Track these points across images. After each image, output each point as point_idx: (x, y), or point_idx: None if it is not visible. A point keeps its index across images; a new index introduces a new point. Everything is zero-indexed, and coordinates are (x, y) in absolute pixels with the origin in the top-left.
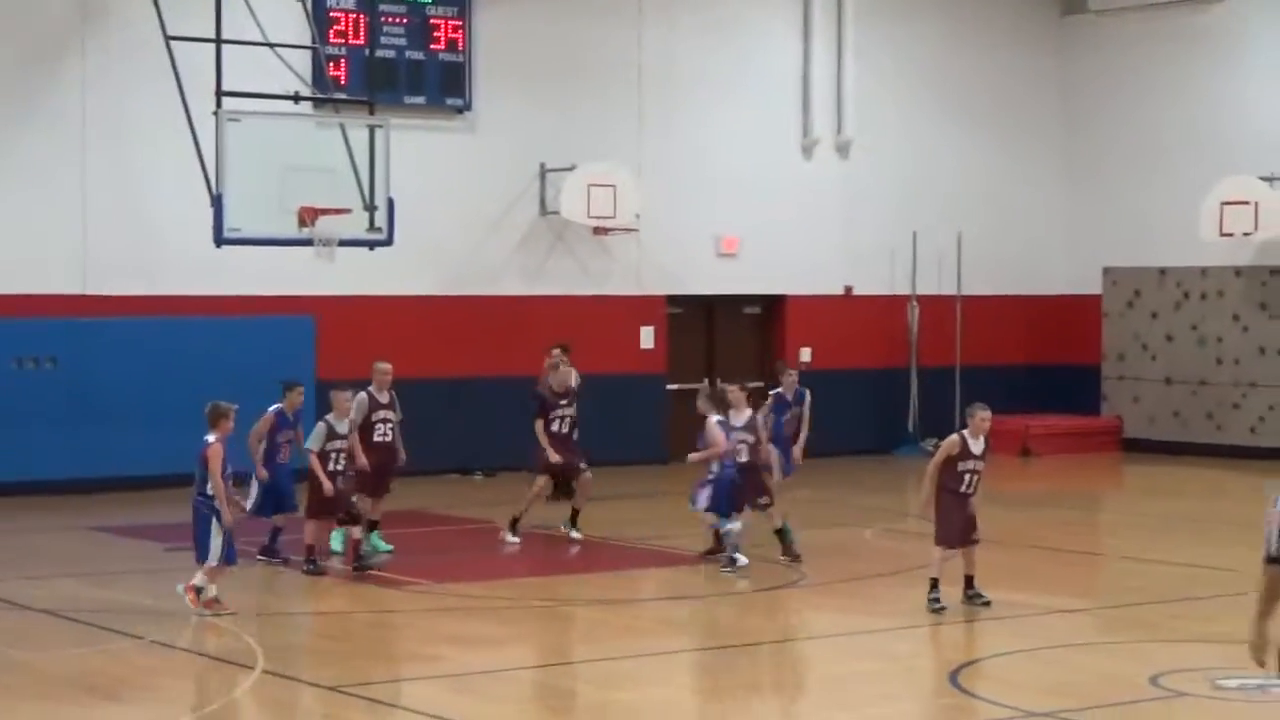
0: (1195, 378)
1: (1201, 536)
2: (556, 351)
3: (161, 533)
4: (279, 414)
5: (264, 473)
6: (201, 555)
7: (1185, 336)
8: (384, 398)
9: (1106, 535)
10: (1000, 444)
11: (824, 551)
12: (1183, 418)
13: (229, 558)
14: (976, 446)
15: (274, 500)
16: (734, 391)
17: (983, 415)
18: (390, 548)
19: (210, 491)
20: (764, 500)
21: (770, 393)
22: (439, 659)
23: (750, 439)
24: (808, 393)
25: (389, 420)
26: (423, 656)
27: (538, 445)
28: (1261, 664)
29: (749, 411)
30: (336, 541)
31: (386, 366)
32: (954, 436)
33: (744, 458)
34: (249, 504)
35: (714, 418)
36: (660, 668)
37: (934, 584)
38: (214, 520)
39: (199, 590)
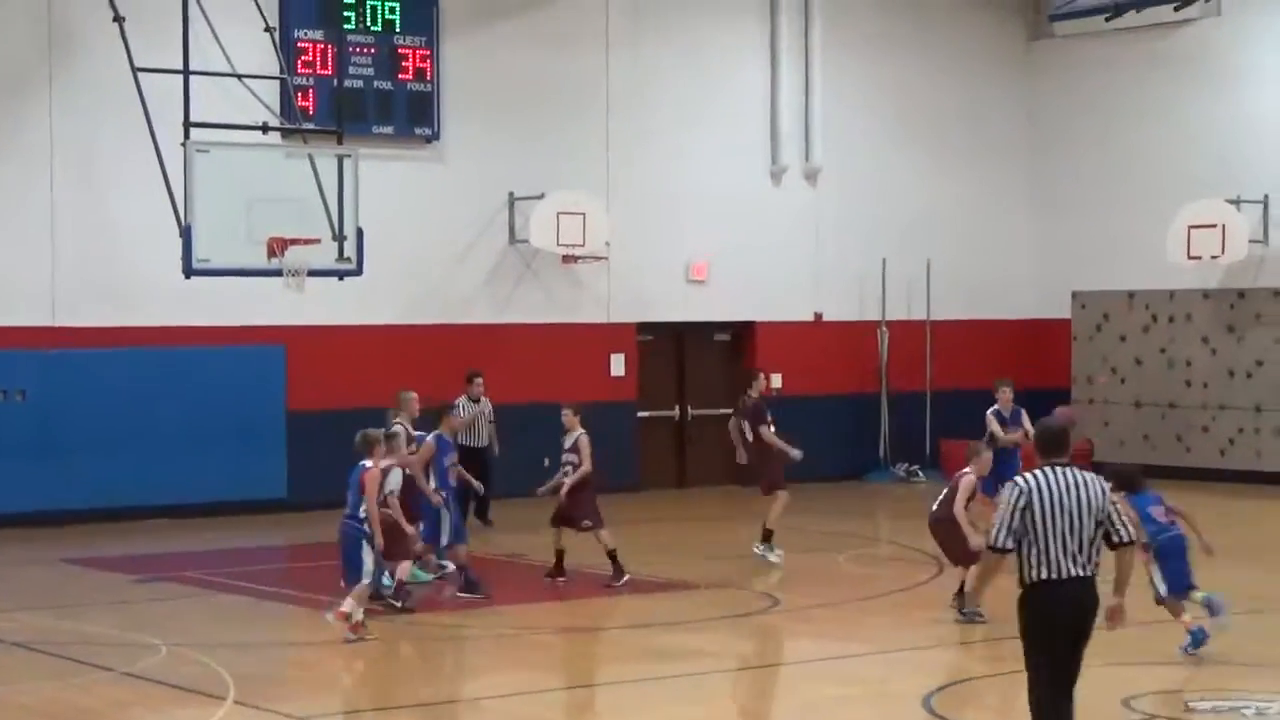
0: (1164, 400)
1: None
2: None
3: (131, 564)
4: (439, 439)
5: (438, 498)
6: (353, 577)
7: (1154, 360)
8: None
9: None
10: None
11: (797, 577)
12: (1152, 441)
13: (378, 579)
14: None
15: (451, 529)
16: (565, 414)
17: (987, 455)
18: (429, 577)
19: (364, 514)
20: (586, 523)
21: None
22: (407, 687)
23: (574, 459)
24: None
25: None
26: (392, 685)
27: (773, 459)
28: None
29: (577, 432)
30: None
31: (414, 395)
32: (971, 478)
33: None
34: (444, 535)
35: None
36: (634, 696)
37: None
38: (365, 542)
39: (349, 615)
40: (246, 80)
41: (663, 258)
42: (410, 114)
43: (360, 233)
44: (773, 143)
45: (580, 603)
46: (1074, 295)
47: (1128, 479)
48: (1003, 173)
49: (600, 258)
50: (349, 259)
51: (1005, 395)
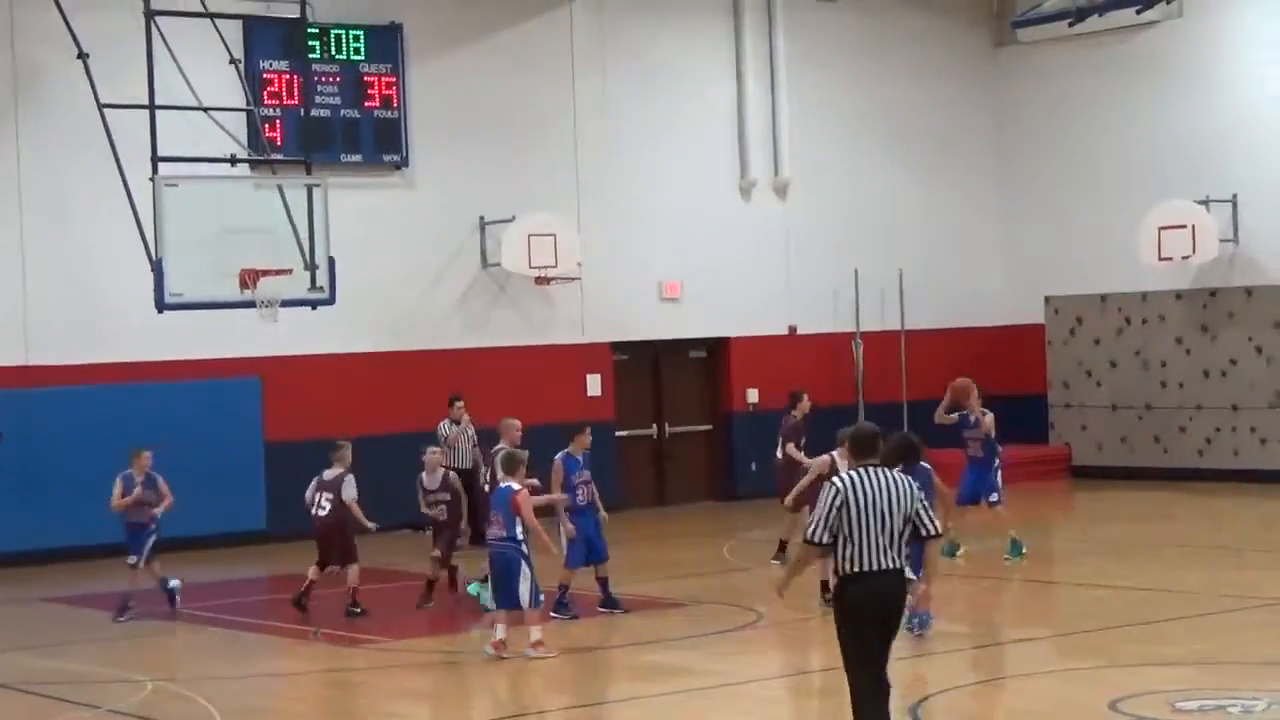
0: (1141, 402)
1: (1153, 560)
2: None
3: (112, 602)
4: (567, 458)
5: (570, 526)
6: (509, 602)
7: (1129, 362)
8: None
9: (1060, 563)
10: (949, 476)
11: None
12: (1130, 443)
13: (536, 601)
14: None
15: (584, 549)
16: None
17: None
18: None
19: (520, 536)
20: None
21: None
22: (397, 716)
23: (446, 497)
24: None
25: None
26: (381, 714)
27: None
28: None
29: (440, 472)
30: (484, 597)
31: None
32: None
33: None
34: (564, 557)
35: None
36: (622, 715)
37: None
38: (523, 564)
39: (539, 642)
40: (213, 113)
41: (635, 276)
42: (378, 141)
43: (332, 261)
44: (741, 157)
45: (567, 623)
46: (1047, 300)
47: (906, 450)
48: (972, 180)
49: (573, 278)
50: (321, 288)
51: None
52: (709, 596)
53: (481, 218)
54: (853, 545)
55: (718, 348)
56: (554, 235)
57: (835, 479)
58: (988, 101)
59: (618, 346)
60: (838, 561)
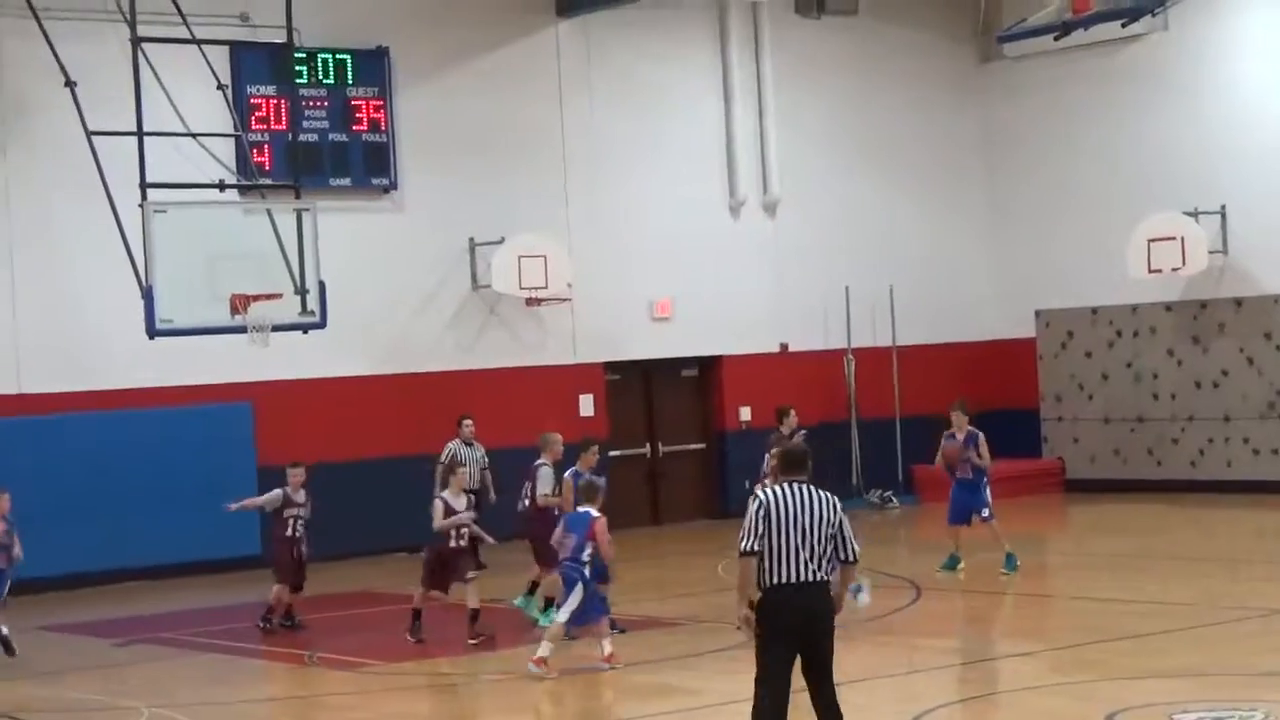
0: (1133, 415)
1: (1148, 573)
2: None
3: (109, 628)
4: (576, 475)
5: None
6: (581, 619)
7: (1121, 374)
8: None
9: (1054, 576)
10: (944, 492)
11: None
12: (1123, 455)
13: (583, 620)
14: None
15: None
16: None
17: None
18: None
19: (585, 558)
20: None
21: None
22: None
23: (473, 517)
24: None
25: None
26: None
27: None
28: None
29: (464, 496)
30: (531, 611)
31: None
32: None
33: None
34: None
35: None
36: None
37: None
38: (580, 583)
39: (609, 655)
40: (201, 139)
41: (626, 296)
42: (367, 165)
43: (322, 285)
44: (730, 176)
45: (565, 645)
46: (1037, 314)
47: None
48: (961, 195)
49: (564, 299)
50: (312, 312)
51: (959, 419)
52: (706, 615)
53: (471, 239)
54: (772, 557)
55: (709, 366)
56: (544, 256)
57: (760, 491)
58: (975, 116)
59: (610, 366)
60: (760, 574)
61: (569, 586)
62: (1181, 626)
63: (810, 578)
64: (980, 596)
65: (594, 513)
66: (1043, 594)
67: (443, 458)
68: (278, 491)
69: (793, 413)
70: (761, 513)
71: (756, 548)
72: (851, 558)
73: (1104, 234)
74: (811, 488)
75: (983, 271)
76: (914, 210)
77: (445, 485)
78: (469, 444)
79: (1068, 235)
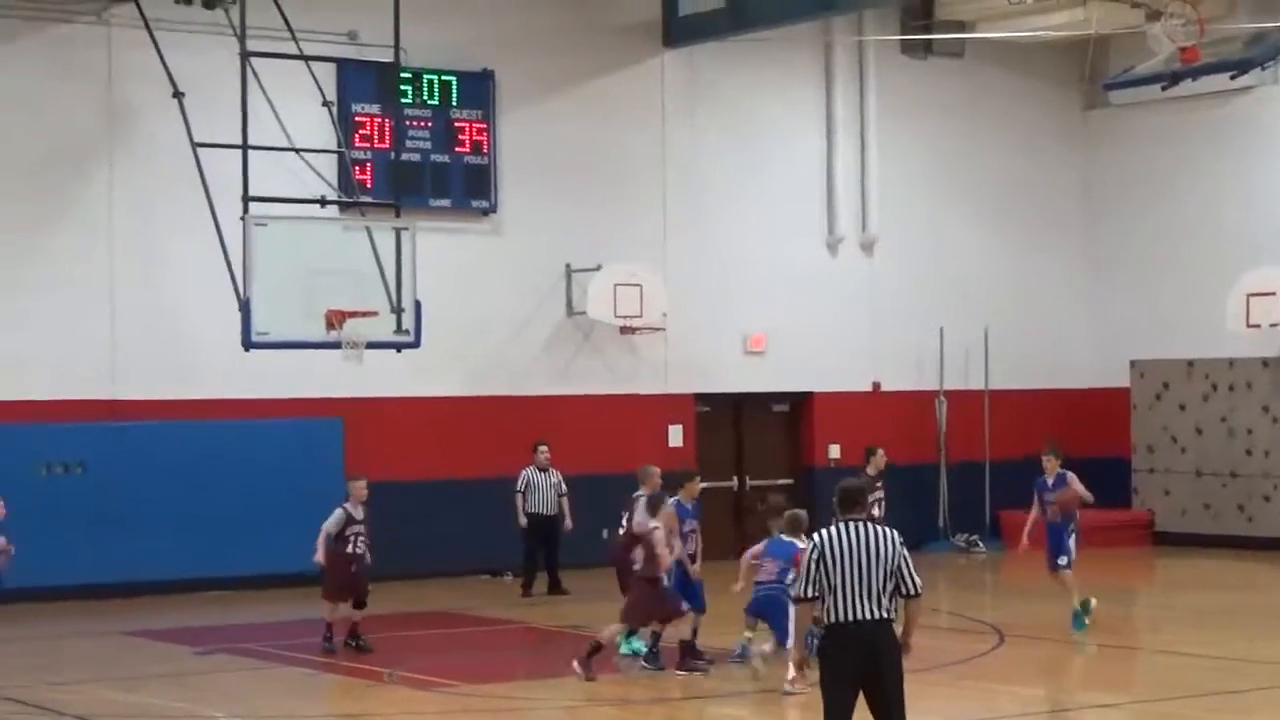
0: (1225, 469)
1: (1236, 629)
2: None
3: (191, 636)
4: (679, 506)
5: (697, 571)
6: (782, 637)
7: (1214, 428)
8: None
9: (1140, 629)
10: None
11: None
12: (1214, 510)
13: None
14: None
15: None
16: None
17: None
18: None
19: (789, 581)
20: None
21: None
22: None
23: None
24: None
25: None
26: None
27: None
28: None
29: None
30: (630, 645)
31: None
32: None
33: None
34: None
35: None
36: None
37: None
38: (790, 605)
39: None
40: (305, 154)
41: (720, 328)
42: (467, 187)
43: (418, 305)
44: (829, 213)
45: (640, 676)
46: (1132, 364)
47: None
48: (1059, 241)
49: (658, 329)
50: (407, 331)
51: (1050, 463)
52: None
53: (568, 265)
54: (833, 597)
55: (801, 402)
56: (640, 285)
57: (815, 534)
58: (1077, 163)
59: (701, 398)
60: (821, 613)
61: (781, 608)
62: (1268, 685)
63: (869, 615)
64: (1064, 646)
65: (799, 543)
66: (1128, 646)
67: (519, 485)
68: (339, 512)
69: (880, 453)
70: (816, 555)
71: (813, 593)
72: (914, 591)
73: (1203, 286)
74: (869, 524)
75: (1078, 318)
76: (1011, 254)
77: (796, 532)
78: (544, 470)
79: (1166, 286)
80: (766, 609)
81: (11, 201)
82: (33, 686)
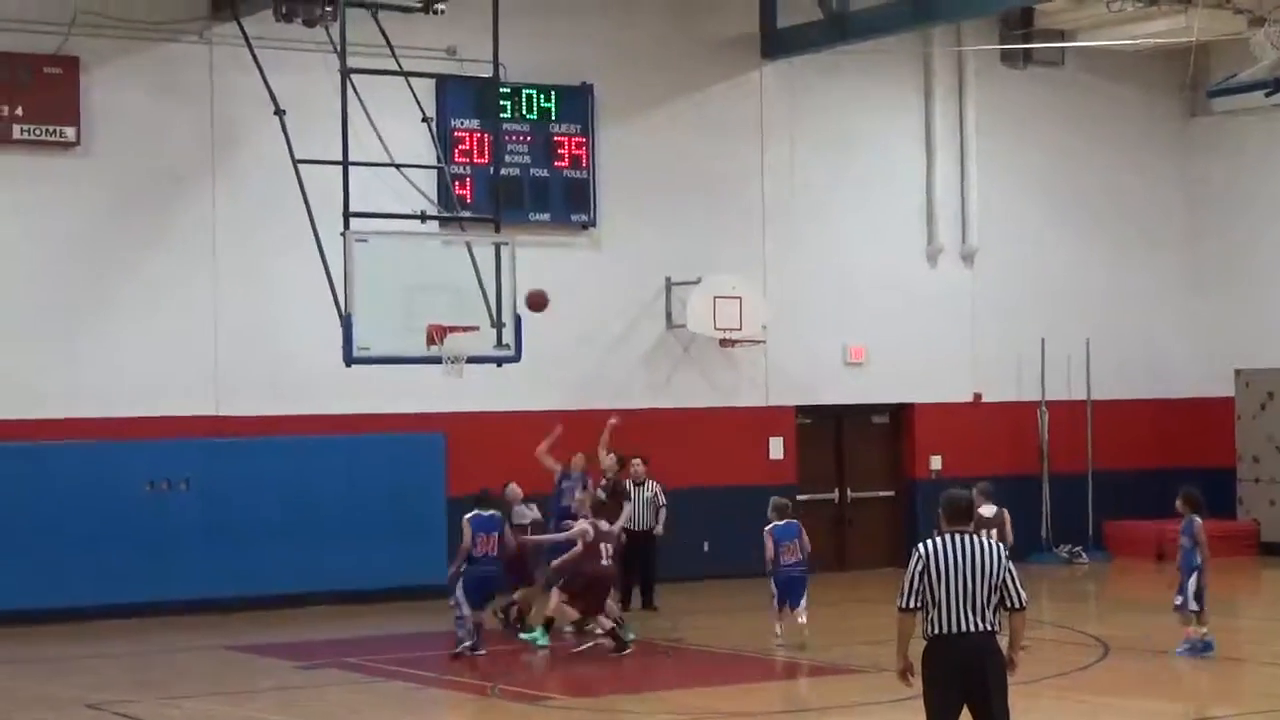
0: None
1: None
2: None
3: (294, 651)
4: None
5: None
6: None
7: None
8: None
9: (1247, 641)
10: (1136, 549)
11: None
12: None
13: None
14: None
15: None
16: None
17: None
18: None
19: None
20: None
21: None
22: None
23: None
24: None
25: None
26: None
27: None
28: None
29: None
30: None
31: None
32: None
33: None
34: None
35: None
36: None
37: None
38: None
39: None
40: (405, 170)
41: (820, 340)
42: (566, 201)
43: (518, 319)
44: (929, 224)
45: (740, 687)
46: (1237, 373)
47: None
48: (1161, 250)
49: (758, 341)
50: (508, 345)
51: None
52: (888, 663)
53: (668, 279)
54: (935, 609)
55: (901, 413)
56: (740, 298)
57: (919, 546)
58: (1180, 171)
59: (801, 410)
60: (923, 625)
61: (802, 585)
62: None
63: (971, 628)
64: (1169, 658)
65: (794, 521)
66: (1235, 658)
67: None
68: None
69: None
70: (920, 567)
71: (914, 604)
72: (1019, 604)
73: None
74: (974, 537)
75: (1182, 328)
76: (1112, 262)
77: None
78: (640, 483)
79: (1270, 295)
80: (791, 587)
81: (116, 220)
82: (142, 701)
